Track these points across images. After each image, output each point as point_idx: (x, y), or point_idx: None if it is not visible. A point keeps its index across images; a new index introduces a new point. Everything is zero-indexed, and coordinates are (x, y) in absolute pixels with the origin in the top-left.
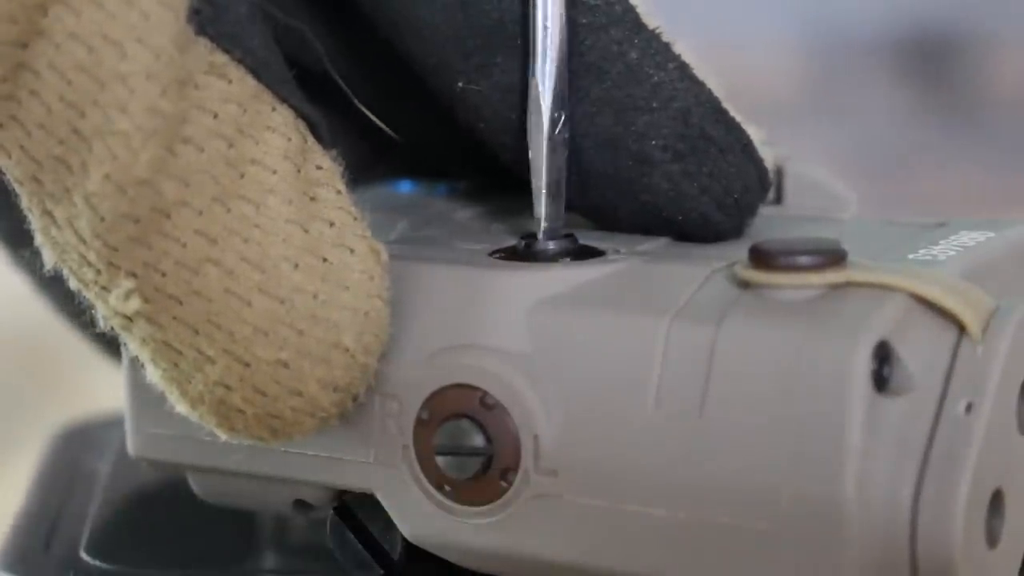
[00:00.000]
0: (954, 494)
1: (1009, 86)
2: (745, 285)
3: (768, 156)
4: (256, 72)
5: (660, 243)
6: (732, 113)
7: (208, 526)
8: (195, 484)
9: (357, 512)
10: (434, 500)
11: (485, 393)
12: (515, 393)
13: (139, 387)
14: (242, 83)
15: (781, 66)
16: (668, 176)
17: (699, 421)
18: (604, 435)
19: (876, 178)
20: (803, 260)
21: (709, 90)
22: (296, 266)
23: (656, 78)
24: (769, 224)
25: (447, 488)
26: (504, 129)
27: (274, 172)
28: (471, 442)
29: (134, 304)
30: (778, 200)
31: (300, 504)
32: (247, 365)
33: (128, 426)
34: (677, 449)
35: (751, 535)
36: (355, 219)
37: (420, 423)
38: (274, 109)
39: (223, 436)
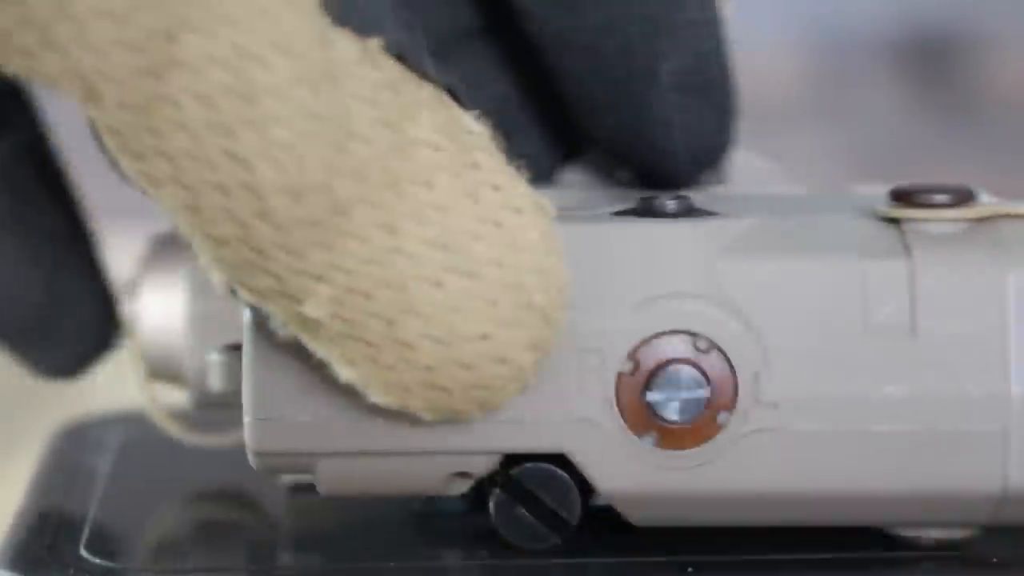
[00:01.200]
0: None
1: (1009, 86)
2: (898, 223)
3: None
4: (400, 53)
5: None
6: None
7: (208, 525)
8: (324, 475)
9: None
10: (641, 451)
11: (698, 337)
12: (730, 335)
13: (265, 380)
14: (390, 67)
15: (781, 66)
16: (663, 99)
17: (913, 341)
18: (822, 365)
19: (876, 178)
20: (947, 198)
21: (729, 51)
22: (476, 237)
23: (693, 15)
24: (729, 202)
25: (656, 435)
26: (598, 70)
27: (437, 149)
28: (689, 386)
29: (326, 307)
30: (721, 180)
31: (457, 477)
32: (448, 345)
33: (250, 422)
34: (895, 368)
35: (976, 437)
36: (515, 178)
37: (624, 374)
38: (421, 86)
39: (428, 418)
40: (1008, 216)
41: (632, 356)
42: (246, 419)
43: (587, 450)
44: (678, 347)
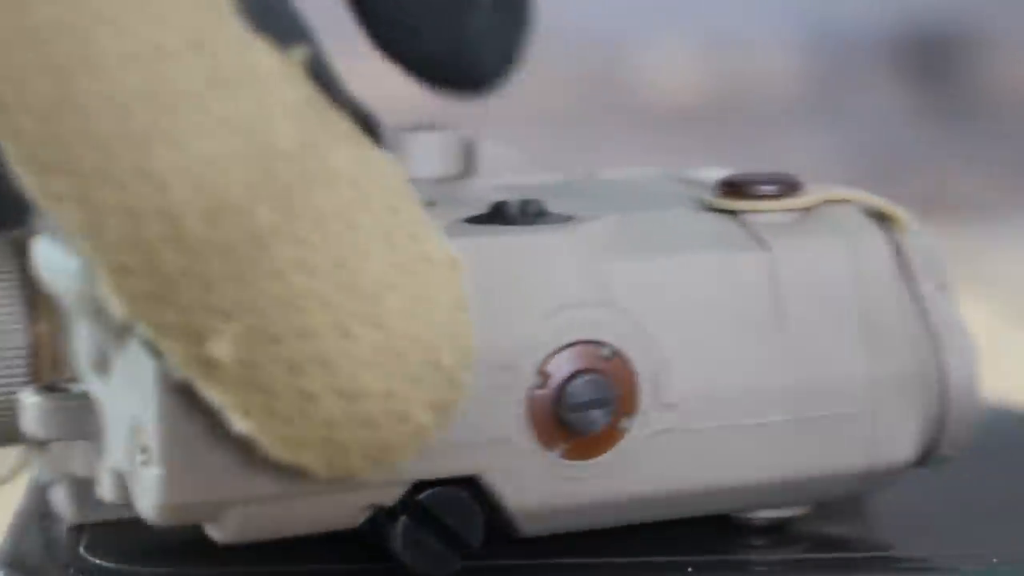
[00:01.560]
0: (969, 356)
1: (1009, 86)
2: (734, 215)
3: (457, 138)
4: (315, 70)
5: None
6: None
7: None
8: (233, 522)
9: (432, 509)
10: (550, 464)
11: (602, 344)
12: (629, 339)
13: (179, 429)
14: (308, 84)
15: (781, 66)
16: (482, 20)
17: (783, 332)
18: (709, 362)
19: (876, 178)
20: (775, 188)
21: None
22: (390, 287)
23: None
24: (568, 198)
25: (563, 447)
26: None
27: (357, 186)
28: (597, 395)
29: (229, 348)
30: (469, 173)
31: (369, 509)
32: (352, 399)
33: (162, 474)
34: (772, 360)
35: (848, 419)
36: (430, 227)
37: (534, 388)
38: (337, 117)
39: (321, 476)
40: (832, 201)
41: (541, 370)
42: (157, 472)
43: (498, 470)
44: (585, 357)
